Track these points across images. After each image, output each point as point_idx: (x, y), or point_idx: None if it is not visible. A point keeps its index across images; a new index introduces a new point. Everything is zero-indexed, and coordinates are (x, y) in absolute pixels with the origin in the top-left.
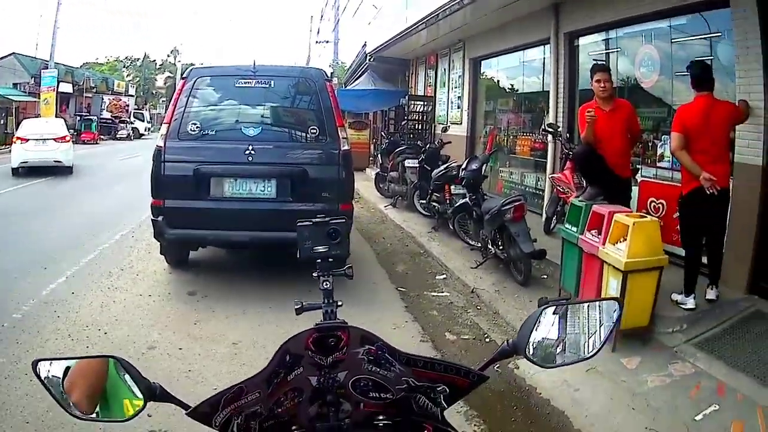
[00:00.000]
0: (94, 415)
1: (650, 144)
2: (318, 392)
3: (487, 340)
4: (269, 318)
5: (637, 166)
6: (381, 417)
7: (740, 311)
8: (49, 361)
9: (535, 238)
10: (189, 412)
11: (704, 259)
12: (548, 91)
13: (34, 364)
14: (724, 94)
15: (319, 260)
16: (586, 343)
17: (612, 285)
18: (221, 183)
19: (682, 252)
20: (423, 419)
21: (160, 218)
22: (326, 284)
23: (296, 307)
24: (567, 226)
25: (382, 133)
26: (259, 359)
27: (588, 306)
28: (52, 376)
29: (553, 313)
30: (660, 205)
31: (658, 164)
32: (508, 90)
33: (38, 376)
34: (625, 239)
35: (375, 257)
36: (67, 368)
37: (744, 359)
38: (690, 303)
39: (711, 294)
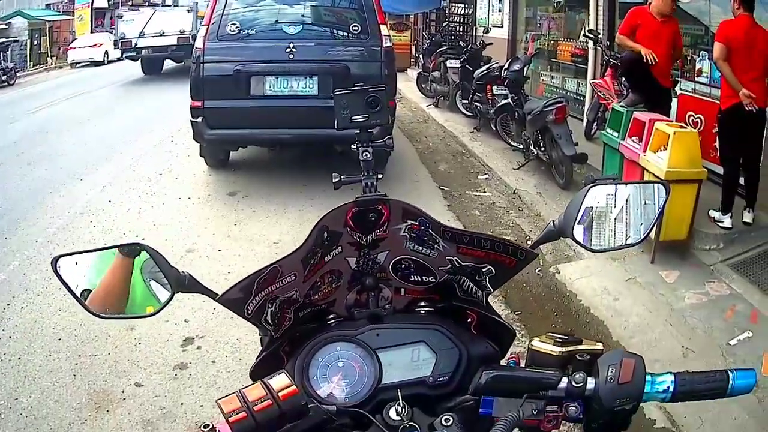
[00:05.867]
0: (117, 312)
1: (689, 58)
2: (357, 276)
3: (529, 241)
4: (310, 216)
5: (677, 78)
6: (423, 303)
7: None
8: (70, 256)
9: (577, 142)
10: (219, 298)
11: (741, 181)
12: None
13: (54, 260)
14: (759, 21)
15: (357, 131)
16: (632, 228)
17: None
18: (262, 81)
19: (719, 170)
20: (467, 305)
21: (199, 119)
22: (366, 155)
23: (335, 180)
24: (608, 131)
25: (424, 34)
26: None
27: (636, 187)
28: (73, 271)
29: (600, 193)
30: (698, 120)
31: (697, 79)
32: None
33: (57, 273)
34: (666, 148)
35: (417, 156)
36: (90, 262)
37: None
38: (727, 221)
39: (747, 217)
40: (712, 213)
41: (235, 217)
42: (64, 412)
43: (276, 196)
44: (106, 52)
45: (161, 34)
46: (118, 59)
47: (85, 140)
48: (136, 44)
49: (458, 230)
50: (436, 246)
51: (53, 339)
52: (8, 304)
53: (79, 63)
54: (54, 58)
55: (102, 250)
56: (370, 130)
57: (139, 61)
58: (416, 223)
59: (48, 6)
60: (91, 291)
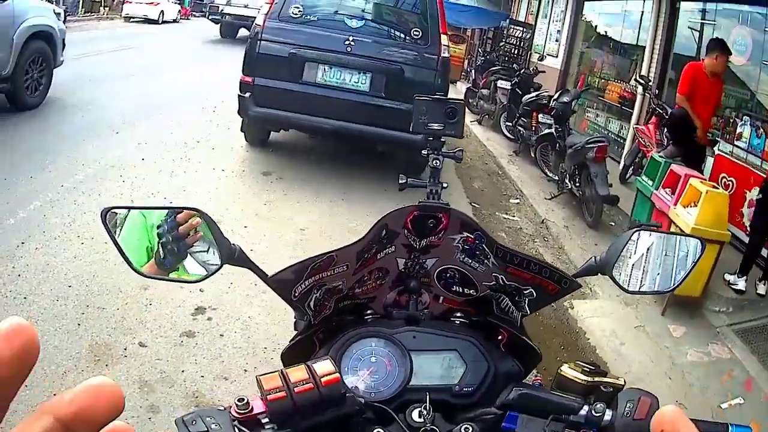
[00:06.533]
0: (162, 273)
1: (731, 121)
2: (402, 276)
3: None
4: (341, 209)
5: (717, 138)
6: (458, 314)
7: None
8: (121, 209)
9: (611, 184)
10: (269, 279)
11: (763, 252)
12: (643, 46)
13: (104, 211)
14: None
15: (431, 138)
16: (666, 276)
17: None
18: (315, 68)
19: (741, 234)
20: (501, 323)
21: (247, 95)
22: (436, 162)
23: (401, 182)
24: (644, 178)
25: (479, 50)
26: (324, 248)
27: (676, 238)
28: (122, 226)
29: (643, 238)
30: (730, 183)
31: (736, 142)
32: (605, 36)
33: (105, 224)
34: (696, 205)
35: (453, 169)
36: (139, 219)
37: None
38: (741, 284)
39: (762, 288)
40: (728, 276)
41: (266, 197)
42: (62, 359)
43: (310, 184)
44: (162, 11)
45: (245, 6)
46: (174, 21)
47: (127, 95)
48: (221, 10)
49: (511, 250)
50: (485, 261)
51: (63, 285)
52: (23, 243)
53: (132, 18)
54: (107, 9)
55: (156, 209)
56: (442, 139)
57: (219, 24)
58: (472, 237)
59: None
60: (136, 247)
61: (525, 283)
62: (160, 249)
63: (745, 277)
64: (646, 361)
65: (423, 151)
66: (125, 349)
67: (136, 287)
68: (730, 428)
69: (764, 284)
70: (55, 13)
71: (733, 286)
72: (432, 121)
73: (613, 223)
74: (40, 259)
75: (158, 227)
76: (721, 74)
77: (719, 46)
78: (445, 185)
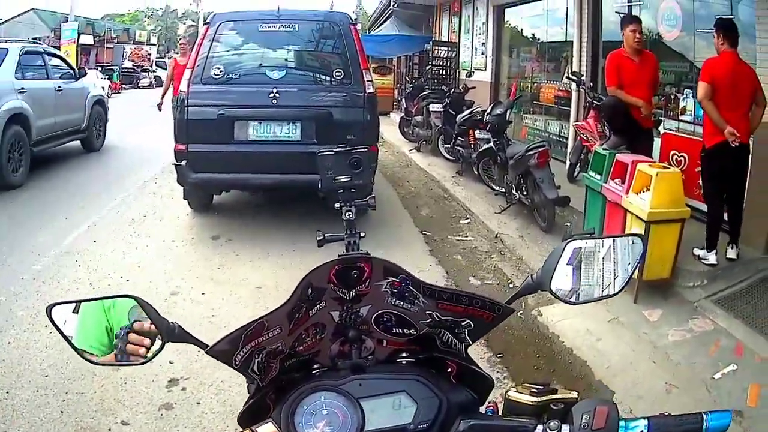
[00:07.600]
0: (110, 359)
1: (672, 97)
2: (340, 328)
3: (511, 285)
4: (293, 261)
5: (660, 118)
6: (404, 354)
7: (759, 271)
8: (64, 305)
9: (559, 185)
10: (208, 350)
11: (725, 217)
12: (571, 41)
13: (49, 308)
14: (743, 54)
15: (341, 190)
16: (609, 280)
17: None
18: (245, 126)
19: (703, 207)
20: (447, 356)
21: (183, 163)
22: (348, 215)
23: (318, 238)
24: (591, 174)
25: (406, 78)
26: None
27: (612, 241)
28: (67, 319)
29: (578, 248)
30: (682, 158)
31: (681, 117)
32: (531, 38)
33: (52, 321)
34: (649, 189)
35: (399, 200)
36: (83, 311)
37: (763, 320)
38: (712, 258)
39: (731, 253)
40: (696, 251)
41: (219, 261)
42: None
43: (259, 241)
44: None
45: None
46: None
47: (71, 178)
48: None
49: (437, 287)
50: (416, 301)
51: (40, 375)
52: None
53: None
54: None
55: (94, 300)
56: (353, 190)
57: None
58: (397, 280)
59: (35, 39)
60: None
61: (460, 316)
62: (120, 347)
63: (714, 251)
64: (627, 351)
65: (335, 205)
66: (110, 430)
67: (109, 369)
68: (705, 417)
69: (733, 248)
70: (101, 87)
71: (704, 261)
72: (338, 174)
73: (568, 224)
74: (14, 353)
75: (117, 336)
76: (642, 49)
77: (626, 20)
78: (362, 234)
